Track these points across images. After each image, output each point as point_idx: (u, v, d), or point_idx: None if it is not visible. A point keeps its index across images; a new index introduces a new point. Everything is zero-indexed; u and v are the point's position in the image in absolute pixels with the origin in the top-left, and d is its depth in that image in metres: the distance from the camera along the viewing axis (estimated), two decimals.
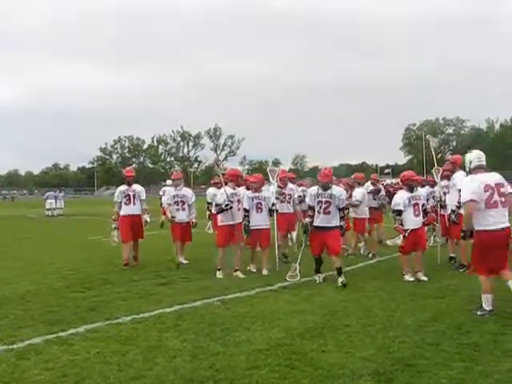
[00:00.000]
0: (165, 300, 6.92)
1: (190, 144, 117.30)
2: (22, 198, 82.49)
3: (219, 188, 11.91)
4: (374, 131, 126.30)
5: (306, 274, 8.13)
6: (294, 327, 5.54)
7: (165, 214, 11.39)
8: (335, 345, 4.93)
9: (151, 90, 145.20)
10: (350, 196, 10.64)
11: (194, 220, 10.20)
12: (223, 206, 8.66)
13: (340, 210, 8.00)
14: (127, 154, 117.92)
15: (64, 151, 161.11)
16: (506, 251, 5.93)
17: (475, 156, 6.13)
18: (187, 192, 10.30)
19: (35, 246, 14.45)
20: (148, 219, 10.25)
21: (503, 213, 5.86)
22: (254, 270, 9.07)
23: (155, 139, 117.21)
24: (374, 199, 12.46)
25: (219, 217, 8.91)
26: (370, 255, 10.79)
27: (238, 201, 8.88)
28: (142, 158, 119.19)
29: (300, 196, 11.25)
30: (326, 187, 7.99)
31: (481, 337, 5.06)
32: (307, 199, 8.38)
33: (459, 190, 6.47)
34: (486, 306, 5.84)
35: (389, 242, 8.16)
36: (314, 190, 8.17)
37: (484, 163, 6.09)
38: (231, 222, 8.72)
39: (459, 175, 8.35)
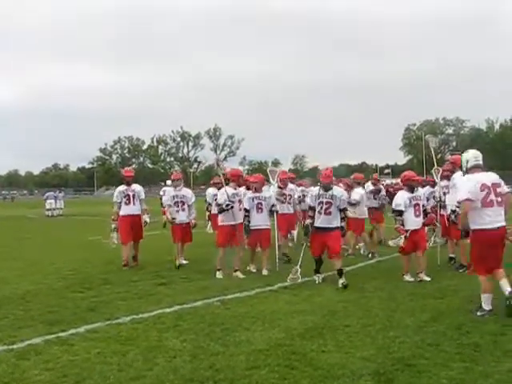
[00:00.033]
0: (165, 300, 6.92)
1: (190, 144, 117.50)
2: (22, 198, 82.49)
3: (219, 188, 11.95)
4: (374, 131, 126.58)
5: (306, 275, 8.12)
6: (294, 327, 5.54)
7: (165, 213, 11.39)
8: (335, 345, 4.93)
9: (151, 90, 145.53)
10: (349, 196, 10.63)
11: (193, 221, 10.15)
12: (224, 205, 8.65)
13: (341, 210, 8.00)
14: (127, 155, 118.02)
15: (64, 151, 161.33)
16: (502, 251, 5.97)
17: (472, 155, 6.17)
18: (187, 192, 10.27)
19: (35, 246, 14.45)
20: (147, 220, 10.25)
21: (499, 212, 5.90)
22: (254, 271, 9.08)
23: (155, 139, 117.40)
24: (375, 199, 12.46)
25: (220, 217, 8.90)
26: (370, 255, 10.80)
27: (240, 201, 8.87)
28: (141, 159, 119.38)
29: (300, 196, 11.26)
30: (327, 188, 7.98)
31: (481, 337, 5.06)
32: (308, 200, 8.37)
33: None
34: (486, 306, 5.84)
35: (391, 243, 8.14)
36: (315, 190, 8.16)
37: (481, 163, 6.13)
38: (232, 222, 8.72)
39: (459, 175, 8.34)
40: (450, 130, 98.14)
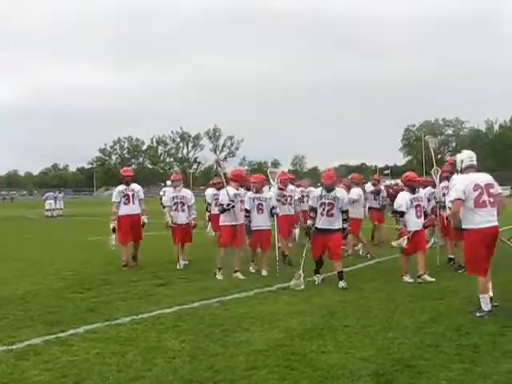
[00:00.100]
0: (164, 301, 6.92)
1: (190, 145, 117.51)
2: (22, 199, 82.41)
3: (219, 189, 11.95)
4: (374, 132, 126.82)
5: (306, 275, 8.10)
6: (294, 328, 5.54)
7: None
8: (334, 345, 4.93)
9: (151, 90, 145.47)
10: None
11: (193, 221, 10.12)
12: (225, 205, 8.65)
13: (343, 212, 7.96)
14: (126, 155, 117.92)
15: (63, 151, 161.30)
16: (492, 251, 6.03)
17: (466, 156, 6.25)
18: (186, 193, 10.24)
19: (35, 246, 14.45)
20: (146, 220, 10.24)
21: (492, 212, 5.96)
22: (254, 271, 9.07)
23: (154, 140, 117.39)
24: (375, 200, 12.48)
25: (221, 217, 8.90)
26: (369, 255, 10.81)
27: (241, 201, 8.86)
28: (141, 159, 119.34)
29: (299, 198, 11.26)
30: (329, 189, 7.95)
31: (480, 338, 5.07)
32: (310, 201, 8.32)
33: None
34: (485, 307, 5.85)
35: (394, 244, 8.12)
36: (318, 191, 8.13)
37: (475, 163, 6.20)
38: (234, 223, 8.71)
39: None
40: (449, 131, 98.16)
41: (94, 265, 10.20)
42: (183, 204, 9.95)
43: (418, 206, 8.17)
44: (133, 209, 10.06)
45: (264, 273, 8.83)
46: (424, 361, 4.51)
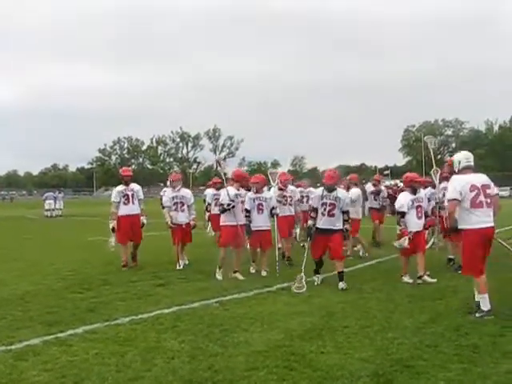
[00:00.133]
0: (163, 301, 6.92)
1: (189, 145, 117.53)
2: (21, 199, 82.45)
3: (218, 189, 11.95)
4: (374, 132, 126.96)
5: (306, 277, 8.10)
6: (293, 328, 5.54)
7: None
8: (334, 346, 4.93)
9: (151, 90, 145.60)
10: None
11: (193, 222, 10.10)
12: (225, 205, 8.64)
13: (344, 213, 7.94)
14: (126, 155, 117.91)
15: (63, 151, 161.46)
16: (488, 251, 6.05)
17: (464, 156, 6.28)
18: (186, 193, 10.20)
19: (34, 246, 14.44)
20: (145, 221, 10.22)
21: (488, 213, 6.00)
22: (254, 271, 9.07)
23: (154, 140, 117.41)
24: (375, 200, 12.49)
25: (222, 217, 8.88)
26: (367, 254, 10.83)
27: (242, 202, 8.85)
28: (141, 159, 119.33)
29: (298, 199, 11.24)
30: (330, 189, 7.92)
31: (479, 338, 5.07)
32: (311, 201, 8.29)
33: None
34: (484, 307, 5.85)
35: (396, 244, 8.10)
36: (319, 191, 8.09)
37: (472, 164, 6.23)
38: (234, 223, 8.69)
39: None
40: (449, 132, 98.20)
41: (93, 265, 10.19)
42: (183, 204, 9.93)
43: (419, 206, 8.16)
44: (132, 209, 10.04)
45: (264, 273, 8.83)
46: (423, 361, 4.51)
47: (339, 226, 7.91)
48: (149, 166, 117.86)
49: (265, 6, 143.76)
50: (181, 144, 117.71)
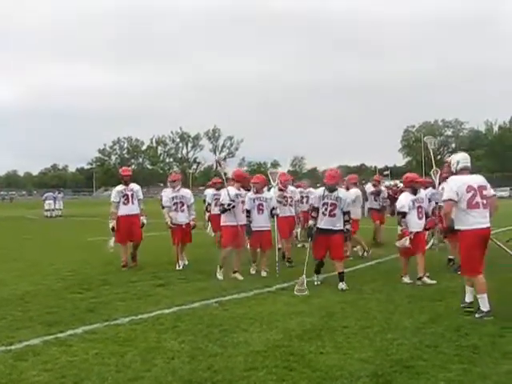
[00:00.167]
0: (163, 301, 6.91)
1: (189, 145, 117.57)
2: (21, 199, 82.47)
3: (218, 189, 11.94)
4: (374, 132, 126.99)
5: (306, 277, 8.10)
6: (292, 329, 5.54)
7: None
8: (333, 346, 4.93)
9: (151, 90, 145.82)
10: None
11: (193, 222, 10.07)
12: (226, 205, 8.63)
13: (345, 213, 7.90)
14: (126, 155, 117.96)
15: (63, 151, 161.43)
16: (484, 252, 6.07)
17: (462, 157, 6.33)
18: (186, 193, 10.17)
19: (34, 247, 14.44)
20: (145, 221, 10.21)
21: (484, 214, 6.03)
22: (254, 272, 9.04)
23: (154, 140, 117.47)
24: (375, 200, 12.49)
25: (222, 217, 8.87)
26: (367, 254, 10.83)
27: (243, 202, 8.84)
28: (140, 159, 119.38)
29: (298, 199, 11.24)
30: (332, 189, 7.88)
31: (479, 339, 5.07)
32: (312, 200, 8.25)
33: None
34: (484, 307, 5.85)
35: (397, 244, 8.10)
36: (320, 191, 8.05)
37: (469, 165, 6.28)
38: (234, 223, 8.68)
39: None
40: (448, 132, 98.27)
41: (93, 265, 10.19)
42: (182, 204, 9.90)
43: (420, 207, 8.16)
44: (132, 209, 10.03)
45: (263, 273, 8.82)
46: (423, 361, 4.51)
47: (340, 226, 7.87)
48: (148, 167, 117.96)
49: (265, 6, 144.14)
50: (180, 144, 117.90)
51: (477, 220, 5.96)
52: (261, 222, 8.88)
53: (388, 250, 10.95)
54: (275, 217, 9.18)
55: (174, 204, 9.88)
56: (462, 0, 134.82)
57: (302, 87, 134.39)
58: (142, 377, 4.26)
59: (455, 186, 6.05)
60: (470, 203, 5.97)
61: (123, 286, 7.96)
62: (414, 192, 8.26)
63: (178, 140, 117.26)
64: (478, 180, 6.17)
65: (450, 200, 6.03)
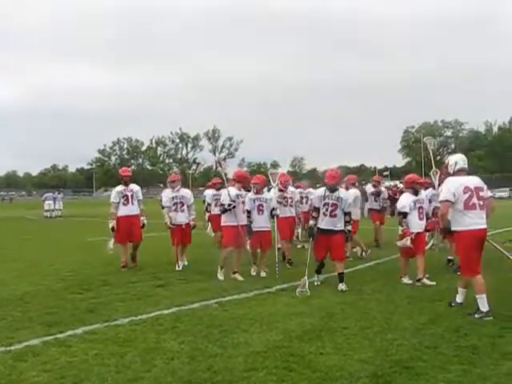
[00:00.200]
0: (163, 302, 6.91)
1: (189, 146, 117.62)
2: (21, 199, 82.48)
3: (218, 189, 11.95)
4: (374, 132, 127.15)
5: (303, 275, 8.09)
6: (292, 329, 5.54)
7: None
8: (333, 347, 4.93)
9: (151, 90, 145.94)
10: None
11: (193, 222, 10.06)
12: (226, 206, 8.63)
13: (346, 214, 7.86)
14: (126, 156, 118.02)
15: (63, 152, 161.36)
16: (481, 253, 6.10)
17: (460, 158, 6.37)
18: (186, 193, 10.16)
19: (34, 247, 14.44)
20: (145, 221, 10.20)
21: (481, 215, 6.08)
22: (254, 274, 8.97)
23: (154, 141, 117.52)
24: (376, 201, 12.49)
25: (223, 217, 8.86)
26: (365, 254, 10.83)
27: (243, 202, 8.83)
28: (140, 160, 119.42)
29: (297, 200, 11.24)
30: (333, 189, 7.85)
31: (479, 339, 5.07)
32: (313, 200, 8.23)
33: None
34: (483, 308, 5.86)
35: (399, 243, 8.10)
36: (321, 191, 8.02)
37: (466, 166, 6.33)
38: (234, 223, 8.68)
39: None
40: (448, 133, 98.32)
41: (93, 266, 10.19)
42: (182, 204, 9.89)
43: (421, 207, 8.17)
44: (132, 210, 10.01)
45: (263, 274, 8.82)
46: (422, 362, 4.51)
47: (341, 226, 7.84)
48: (148, 167, 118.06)
49: (265, 6, 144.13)
50: (180, 145, 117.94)
51: (474, 221, 6.00)
52: (261, 222, 8.87)
53: (388, 251, 10.94)
54: (275, 217, 9.17)
55: (173, 204, 9.86)
56: (462, 0, 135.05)
57: (302, 87, 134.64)
58: (142, 377, 4.26)
59: (452, 187, 6.08)
60: (467, 204, 6.01)
61: (123, 287, 7.96)
62: (415, 193, 8.27)
63: (178, 141, 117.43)
64: (474, 181, 6.22)
65: (447, 201, 6.08)
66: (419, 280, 7.90)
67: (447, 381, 4.10)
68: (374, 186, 12.82)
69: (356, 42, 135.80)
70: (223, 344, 5.06)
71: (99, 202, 51.14)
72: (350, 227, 8.00)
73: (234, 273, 8.63)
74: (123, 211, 9.95)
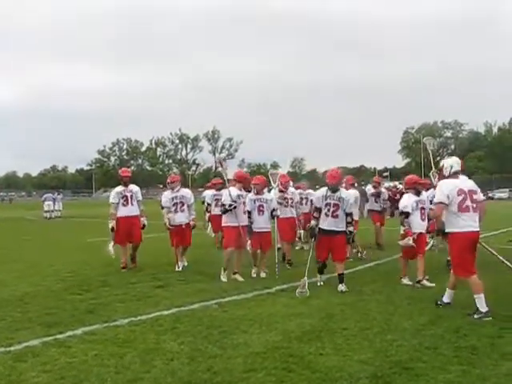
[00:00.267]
0: (162, 302, 6.91)
1: (189, 146, 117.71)
2: (20, 200, 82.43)
3: (219, 189, 11.95)
4: (373, 134, 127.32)
5: (303, 276, 8.08)
6: (292, 330, 5.54)
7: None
8: (333, 348, 4.93)
9: (151, 90, 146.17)
10: None
11: (193, 222, 10.03)
12: (227, 206, 8.63)
13: (347, 215, 7.82)
14: (125, 157, 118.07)
15: (63, 152, 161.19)
16: (475, 254, 6.16)
17: (456, 162, 6.47)
18: (186, 193, 10.12)
19: (34, 248, 14.43)
20: (145, 222, 10.18)
21: (474, 218, 6.15)
22: (255, 275, 8.89)
23: (153, 142, 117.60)
24: (376, 202, 12.49)
25: (224, 217, 8.86)
26: (360, 255, 10.86)
27: (244, 203, 8.82)
28: (140, 161, 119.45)
29: (297, 201, 11.24)
30: (334, 189, 7.81)
31: (478, 340, 5.07)
32: (314, 200, 8.22)
33: None
34: (482, 308, 5.88)
35: (401, 243, 8.10)
36: (323, 191, 7.97)
37: (460, 169, 6.43)
38: (235, 224, 8.67)
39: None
40: (448, 133, 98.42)
41: (92, 266, 10.18)
42: (183, 204, 9.85)
43: (423, 208, 8.18)
44: (131, 210, 10.00)
45: (263, 274, 8.81)
46: (422, 363, 4.51)
47: (342, 227, 7.81)
48: (148, 168, 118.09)
49: (265, 6, 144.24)
50: (180, 146, 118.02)
51: (467, 223, 6.08)
52: (261, 223, 8.86)
53: (388, 252, 10.95)
54: (275, 218, 9.17)
55: (173, 204, 9.83)
56: (461, 1, 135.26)
57: (302, 88, 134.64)
58: (142, 378, 4.26)
59: (447, 190, 6.17)
60: (461, 206, 6.09)
61: (123, 288, 7.96)
62: (417, 193, 8.29)
63: (178, 141, 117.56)
64: (468, 184, 6.32)
65: (441, 203, 6.17)
66: (419, 282, 7.90)
67: (447, 381, 4.10)
68: (375, 187, 12.82)
69: (356, 43, 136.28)
70: (223, 345, 5.06)
71: (99, 203, 51.10)
72: (351, 228, 7.98)
73: (234, 273, 8.62)
74: (123, 212, 9.93)
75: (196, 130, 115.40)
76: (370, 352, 4.79)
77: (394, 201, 12.21)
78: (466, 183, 6.30)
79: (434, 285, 7.83)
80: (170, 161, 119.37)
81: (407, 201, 8.17)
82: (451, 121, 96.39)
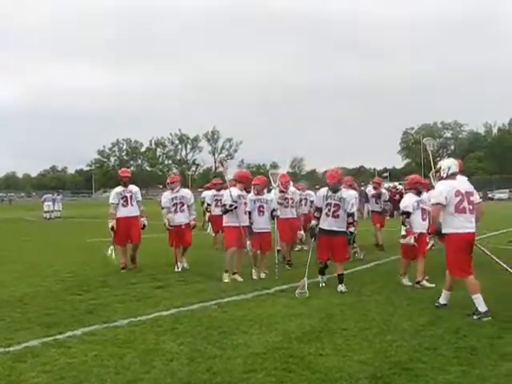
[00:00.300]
0: (162, 303, 6.91)
1: (188, 147, 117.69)
2: (20, 201, 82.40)
3: (219, 190, 11.95)
4: (373, 134, 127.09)
5: (303, 277, 8.08)
6: (292, 331, 5.54)
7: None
8: (332, 348, 4.93)
9: (151, 91, 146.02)
10: None
11: (193, 222, 10.02)
12: (228, 206, 8.62)
13: (349, 215, 7.76)
14: (125, 157, 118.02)
15: (62, 152, 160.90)
16: (471, 255, 6.19)
17: (453, 163, 6.51)
18: (186, 193, 10.11)
19: (33, 248, 14.42)
20: (146, 222, 10.17)
21: (470, 219, 6.19)
22: (255, 277, 8.78)
23: (153, 142, 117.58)
24: (377, 203, 12.49)
25: (224, 218, 8.86)
26: (357, 255, 10.85)
27: (245, 203, 8.81)
28: (139, 161, 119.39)
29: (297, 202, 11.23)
30: (335, 189, 7.78)
31: (478, 340, 5.07)
32: (315, 200, 8.21)
33: None
34: (481, 308, 5.88)
35: (402, 241, 8.11)
36: (324, 191, 7.94)
37: (457, 171, 6.45)
38: (236, 224, 8.67)
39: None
40: (448, 134, 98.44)
41: (92, 267, 10.18)
42: (183, 204, 9.84)
43: (424, 208, 8.19)
44: (131, 211, 9.99)
45: (262, 275, 8.80)
46: (422, 364, 4.51)
47: (343, 227, 7.77)
48: (147, 168, 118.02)
49: (265, 6, 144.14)
50: (180, 146, 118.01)
51: (463, 224, 6.12)
52: (261, 223, 8.85)
53: (388, 252, 10.94)
54: (275, 218, 9.16)
55: (173, 205, 9.82)
56: (461, 1, 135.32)
57: (302, 88, 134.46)
58: (141, 379, 4.26)
59: (444, 191, 6.19)
60: (458, 207, 6.12)
61: (122, 288, 7.96)
62: (418, 193, 8.31)
63: (177, 142, 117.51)
64: (465, 186, 6.36)
65: (439, 204, 6.19)
66: (418, 282, 7.90)
67: (446, 382, 4.10)
68: (375, 188, 12.81)
69: (356, 43, 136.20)
70: (222, 345, 5.06)
71: (98, 203, 51.08)
72: (352, 229, 7.96)
73: (234, 273, 8.62)
74: (122, 212, 9.93)
75: (196, 130, 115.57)
76: (369, 352, 4.79)
77: (393, 201, 12.23)
78: (463, 185, 6.33)
79: (433, 285, 7.83)
80: (170, 161, 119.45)
81: (408, 201, 8.21)
82: (451, 121, 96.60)
